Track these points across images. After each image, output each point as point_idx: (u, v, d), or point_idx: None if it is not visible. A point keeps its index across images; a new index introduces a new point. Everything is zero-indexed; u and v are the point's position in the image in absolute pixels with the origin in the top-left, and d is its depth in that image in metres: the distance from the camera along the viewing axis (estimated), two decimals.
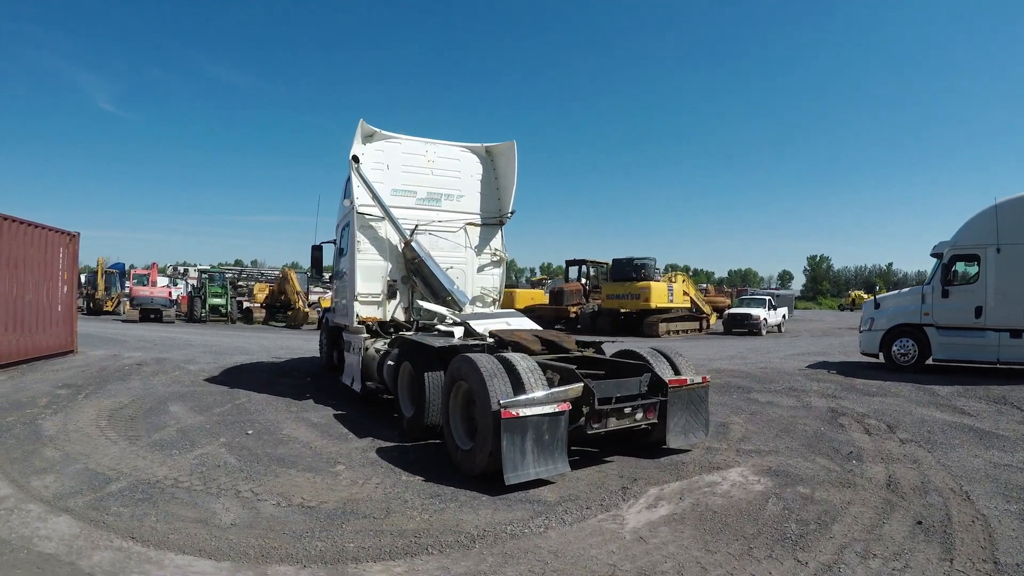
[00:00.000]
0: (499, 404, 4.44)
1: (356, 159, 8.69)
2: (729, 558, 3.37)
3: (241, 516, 3.87)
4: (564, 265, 32.65)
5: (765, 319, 24.77)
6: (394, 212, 9.01)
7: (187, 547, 3.34)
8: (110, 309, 32.84)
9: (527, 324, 8.06)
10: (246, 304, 31.08)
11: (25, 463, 4.83)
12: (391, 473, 4.97)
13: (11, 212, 9.69)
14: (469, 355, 5.09)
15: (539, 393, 4.68)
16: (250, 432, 6.33)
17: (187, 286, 39.69)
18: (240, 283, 38.57)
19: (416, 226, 9.11)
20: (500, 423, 4.33)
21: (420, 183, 9.42)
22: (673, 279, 25.88)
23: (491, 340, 6.56)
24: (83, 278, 38.62)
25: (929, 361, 11.27)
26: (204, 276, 32.82)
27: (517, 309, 29.46)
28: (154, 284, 33.27)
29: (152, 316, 28.63)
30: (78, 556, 3.18)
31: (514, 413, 4.38)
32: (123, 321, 27.55)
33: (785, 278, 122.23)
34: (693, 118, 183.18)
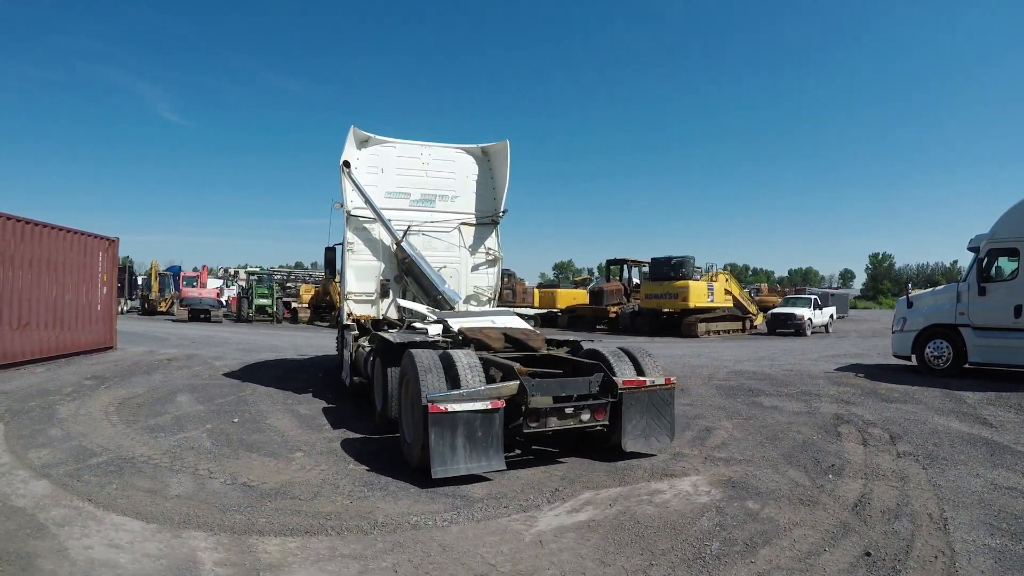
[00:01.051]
0: (427, 399, 4.79)
1: (347, 164, 9.46)
2: (621, 572, 3.38)
3: (187, 490, 4.60)
4: (605, 264, 32.74)
5: (810, 319, 24.29)
6: (388, 214, 9.72)
7: (128, 510, 4.08)
8: (163, 309, 35.76)
9: (515, 322, 8.50)
10: (293, 304, 33.14)
11: (30, 439, 5.84)
12: (340, 462, 5.54)
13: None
14: (412, 351, 5.63)
15: (470, 389, 4.99)
16: (236, 420, 7.16)
17: (238, 288, 42.54)
18: (288, 284, 41.13)
19: (408, 227, 9.77)
20: (428, 417, 4.70)
21: (414, 185, 10.08)
22: (714, 278, 25.47)
23: (458, 337, 7.06)
24: (140, 280, 42.42)
25: (967, 365, 10.84)
26: (252, 278, 35.23)
27: (559, 309, 30.00)
28: (203, 286, 35.86)
29: (202, 316, 30.94)
30: (39, 510, 4.00)
31: (442, 408, 4.72)
32: (173, 321, 30.00)
33: (846, 277, 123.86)
34: (753, 114, 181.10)
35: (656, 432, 5.81)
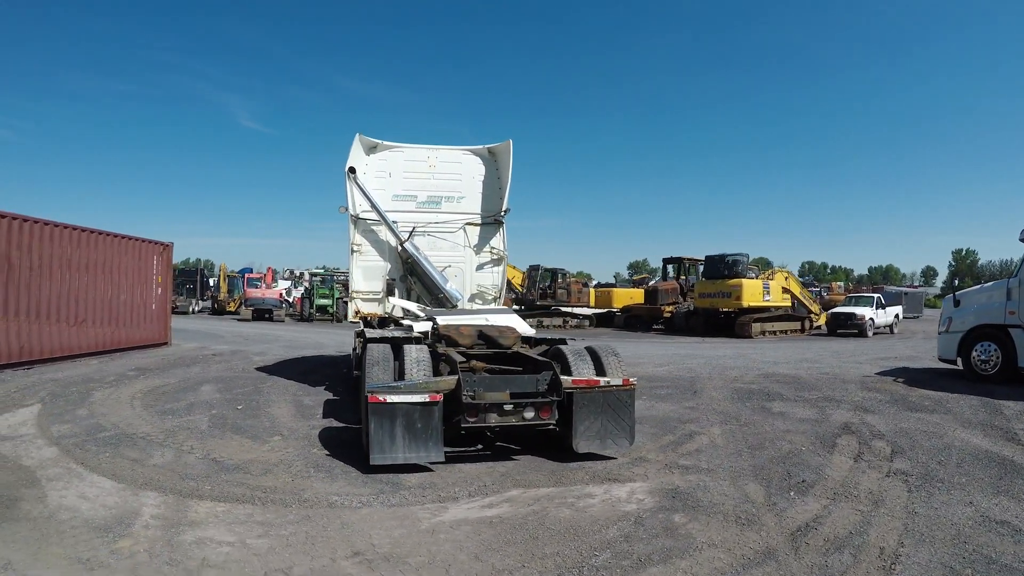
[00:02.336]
0: (367, 390, 5.41)
1: (352, 170, 10.46)
2: (488, 569, 3.63)
3: (165, 461, 5.63)
4: (661, 263, 32.60)
5: (871, 319, 23.79)
6: (395, 216, 10.63)
7: (108, 473, 5.15)
8: (232, 309, 39.14)
9: (511, 321, 9.13)
10: None
11: (58, 416, 7.22)
12: (308, 446, 6.36)
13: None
14: (369, 345, 6.42)
15: (408, 382, 5.53)
16: (240, 407, 8.28)
17: (303, 288, 45.65)
18: None
19: (414, 228, 10.64)
20: (368, 407, 5.32)
21: (421, 188, 10.93)
22: (770, 276, 24.95)
23: (434, 333, 7.80)
24: (211, 282, 46.53)
25: (1020, 369, 10.28)
26: (315, 279, 37.81)
27: (615, 308, 30.30)
28: (268, 287, 38.82)
29: (266, 316, 33.62)
30: (40, 469, 5.16)
31: (381, 399, 5.29)
32: (238, 320, 32.82)
33: (928, 274, 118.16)
34: (834, 108, 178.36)
35: (613, 434, 5.93)
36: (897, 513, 4.61)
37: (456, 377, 5.65)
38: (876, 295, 27.29)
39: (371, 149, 10.93)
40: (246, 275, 40.10)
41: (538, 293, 28.80)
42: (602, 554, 3.84)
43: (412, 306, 9.52)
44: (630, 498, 4.91)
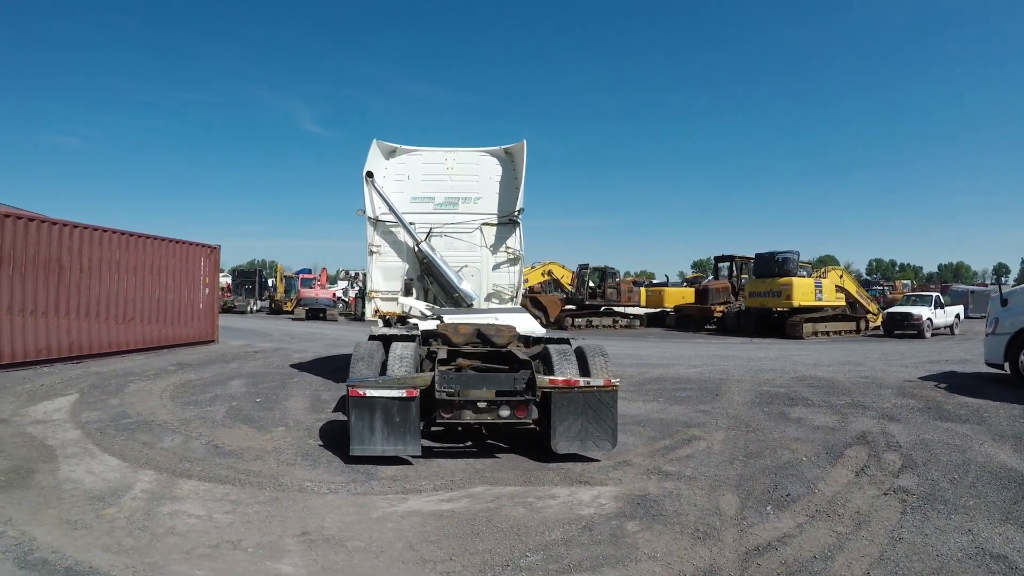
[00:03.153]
0: (347, 383, 5.85)
1: (370, 175, 11.07)
2: (417, 558, 3.87)
3: (172, 445, 6.34)
4: (713, 261, 32.04)
5: (929, 319, 23.08)
6: (413, 217, 11.18)
7: (118, 453, 5.90)
8: (288, 309, 41.27)
9: (520, 320, 9.49)
10: None
11: (90, 405, 8.18)
12: (306, 437, 6.90)
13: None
14: (359, 341, 6.93)
15: (386, 377, 5.92)
16: (258, 400, 9.03)
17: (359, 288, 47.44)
18: None
19: (431, 229, 11.16)
20: (348, 400, 5.76)
21: (438, 189, 11.43)
22: (823, 274, 24.19)
23: (432, 331, 8.25)
24: (270, 283, 49.12)
25: None
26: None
27: (666, 308, 30.38)
28: (322, 287, 40.62)
29: (320, 315, 35.25)
30: (60, 448, 6.01)
31: (360, 392, 5.69)
32: (292, 319, 34.54)
33: (1001, 271, 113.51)
34: (902, 104, 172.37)
35: (594, 436, 6.00)
36: (878, 538, 4.29)
37: (432, 373, 5.99)
38: (934, 294, 26.43)
39: (390, 153, 11.54)
40: (300, 275, 42.15)
41: (587, 292, 28.94)
42: (533, 556, 3.94)
43: (421, 305, 10.02)
44: (592, 502, 4.96)
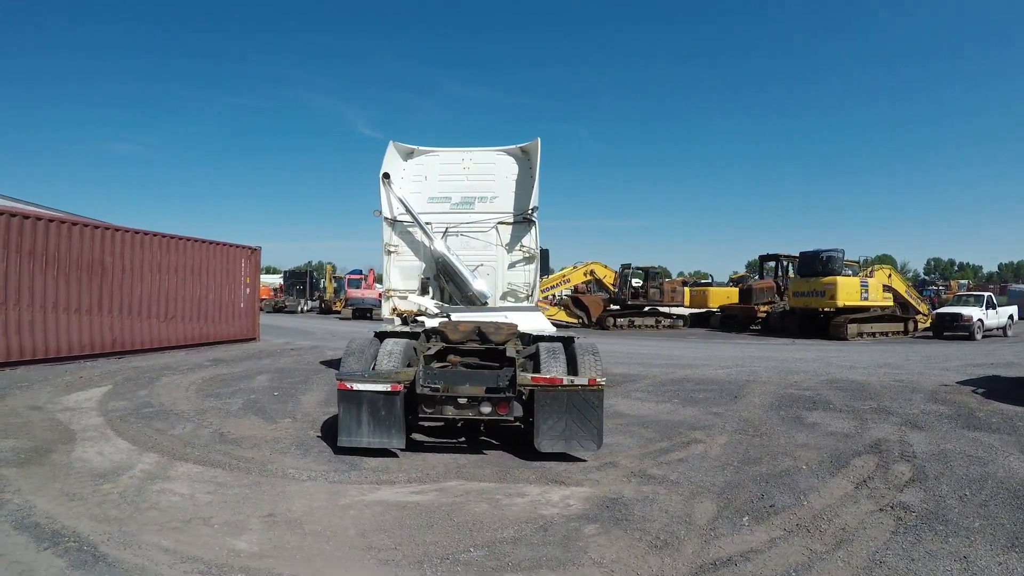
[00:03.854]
0: (336, 377, 6.23)
1: (387, 176, 11.57)
2: (366, 546, 4.11)
3: (182, 433, 6.96)
4: (758, 260, 31.34)
5: (980, 320, 22.43)
6: (429, 217, 11.63)
7: (130, 438, 6.57)
8: (338, 309, 42.79)
9: (531, 319, 9.77)
10: None
11: (119, 395, 9.02)
12: (307, 428, 7.35)
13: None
14: (353, 337, 7.37)
15: (372, 372, 6.28)
16: (276, 394, 9.66)
17: None
18: None
19: (447, 229, 11.57)
20: (337, 393, 6.12)
21: (455, 189, 11.82)
22: (870, 273, 23.52)
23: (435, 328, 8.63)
24: (321, 283, 51.06)
25: None
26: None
27: (711, 308, 30.59)
28: (371, 287, 41.90)
29: (366, 315, 36.48)
30: (81, 432, 6.74)
31: (348, 386, 6.04)
32: (340, 318, 35.84)
33: None
34: (958, 101, 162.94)
35: (579, 435, 6.07)
36: (856, 560, 4.00)
37: (413, 370, 6.29)
38: (986, 294, 25.50)
39: (408, 155, 12.02)
40: (349, 276, 43.69)
41: (630, 292, 29.00)
42: (476, 552, 4.06)
43: (430, 303, 10.43)
44: (560, 502, 5.01)
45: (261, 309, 43.57)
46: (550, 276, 32.68)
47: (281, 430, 7.29)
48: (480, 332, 8.07)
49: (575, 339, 8.21)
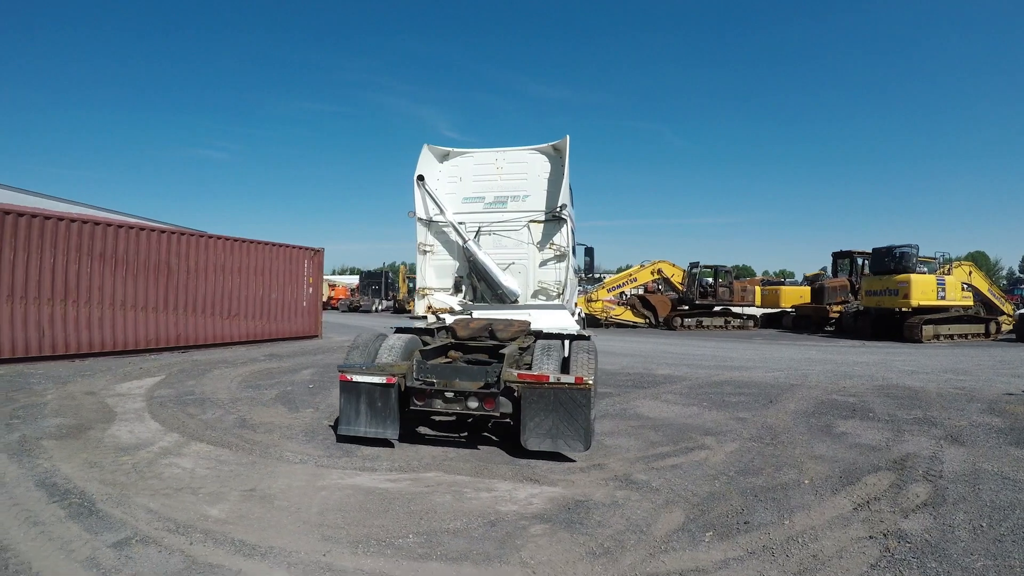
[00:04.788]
0: (338, 368, 6.78)
1: (421, 178, 12.21)
2: (319, 519, 4.59)
3: (210, 418, 7.88)
4: (831, 258, 29.83)
5: None
6: (464, 217, 12.16)
7: (162, 420, 7.55)
8: (411, 309, 44.28)
9: (553, 318, 10.10)
10: None
11: (168, 385, 10.24)
12: (324, 418, 8.06)
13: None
14: (360, 332, 7.99)
15: (369, 364, 6.74)
16: (311, 387, 10.55)
17: None
18: None
19: (479, 228, 12.07)
20: (339, 385, 6.72)
21: (488, 189, 12.27)
22: (948, 271, 22.05)
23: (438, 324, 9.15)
24: (397, 284, 53.30)
25: None
26: None
27: (783, 308, 29.99)
28: None
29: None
30: (122, 414, 7.83)
31: (348, 377, 6.57)
32: (411, 317, 37.21)
33: None
34: None
35: (566, 435, 6.17)
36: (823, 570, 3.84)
37: (408, 363, 6.72)
38: None
39: (443, 157, 12.62)
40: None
41: (698, 292, 28.56)
42: (413, 538, 4.34)
43: (453, 301, 10.96)
44: (524, 500, 5.16)
45: (336, 308, 46.64)
46: (616, 275, 32.64)
47: (299, 419, 8.03)
48: (490, 329, 8.48)
49: (589, 338, 8.44)
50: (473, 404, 6.37)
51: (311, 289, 19.58)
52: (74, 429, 7.00)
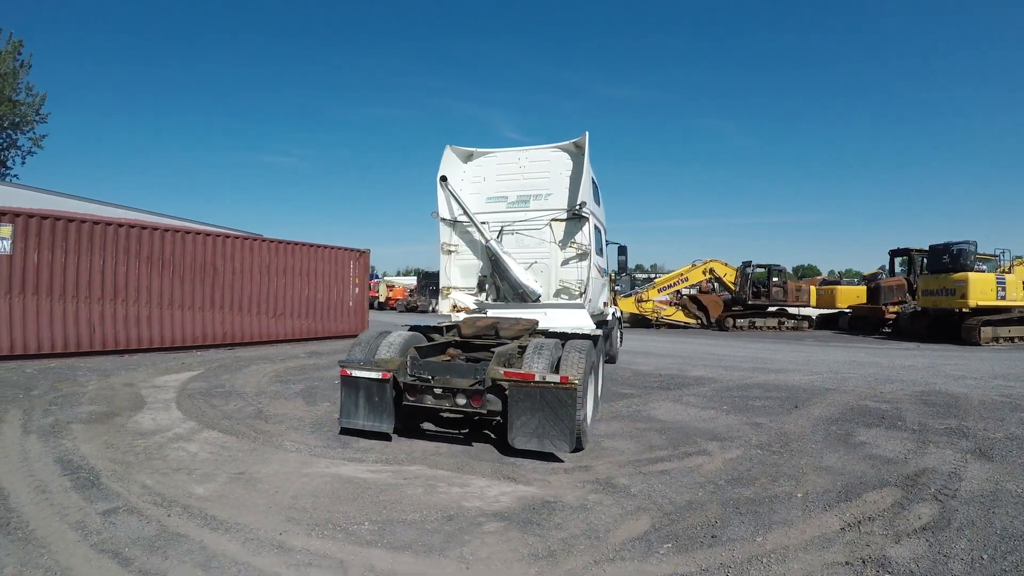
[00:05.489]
0: (339, 363, 7.30)
1: (444, 179, 12.66)
2: (289, 501, 4.99)
3: (231, 409, 8.60)
4: (888, 256, 28.42)
5: None
6: (487, 217, 12.54)
7: (185, 410, 8.33)
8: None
9: (568, 317, 10.35)
10: None
11: (203, 379, 11.18)
12: (334, 412, 8.41)
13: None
14: (366, 330, 8.49)
15: (367, 360, 7.17)
16: (337, 382, 11.10)
17: None
18: None
19: (502, 228, 12.41)
20: (340, 379, 7.21)
21: (511, 188, 12.58)
22: (1008, 268, 20.87)
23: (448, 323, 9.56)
24: None
25: None
26: None
27: (839, 308, 29.37)
28: None
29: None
30: (152, 402, 8.71)
31: (348, 372, 7.06)
32: (436, 317, 38.23)
33: None
34: None
35: (551, 435, 6.28)
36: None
37: (399, 359, 7.08)
38: None
39: (467, 157, 13.04)
40: None
41: (751, 292, 27.94)
42: (367, 525, 4.63)
43: (468, 301, 11.35)
44: (492, 497, 5.31)
45: (395, 308, 47.99)
46: (666, 275, 32.26)
47: (313, 412, 8.63)
48: (496, 328, 8.80)
49: (597, 339, 8.58)
50: (461, 401, 6.63)
51: (357, 289, 20.51)
52: (103, 415, 7.88)
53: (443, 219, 12.75)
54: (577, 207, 11.89)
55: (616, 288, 34.37)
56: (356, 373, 6.99)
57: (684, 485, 5.75)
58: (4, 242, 11.99)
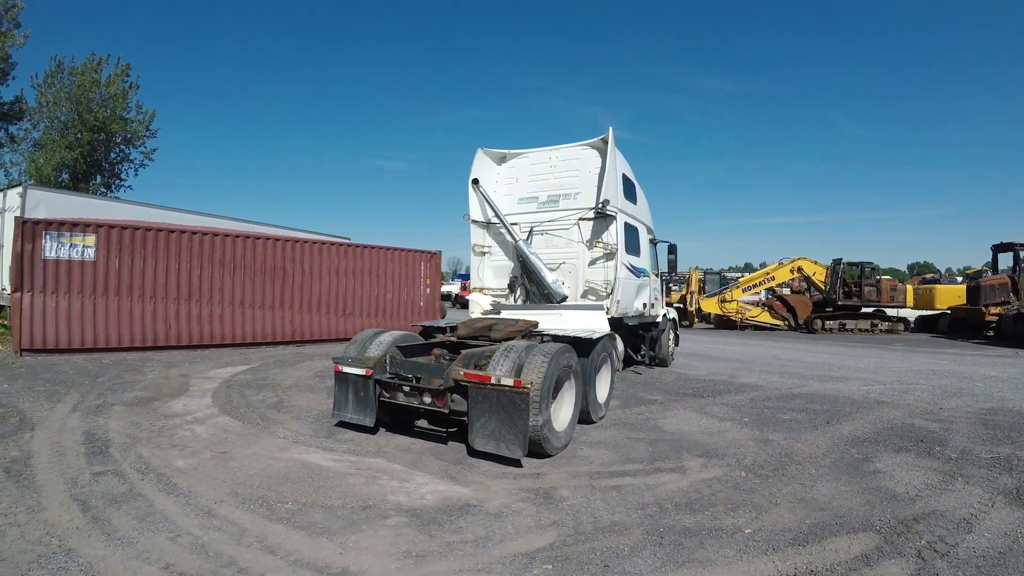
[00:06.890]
0: (331, 359, 8.41)
1: (475, 181, 13.45)
2: (254, 482, 5.77)
3: (257, 399, 10.03)
4: (991, 251, 25.41)
5: None
6: (519, 218, 13.18)
7: (215, 398, 9.92)
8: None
9: (584, 319, 10.89)
10: None
11: (252, 372, 12.92)
12: None
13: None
14: (364, 328, 9.56)
15: (354, 357, 8.09)
16: None
17: None
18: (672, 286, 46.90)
19: (531, 229, 13.02)
20: (334, 374, 8.16)
21: (542, 188, 13.10)
22: None
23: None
24: None
25: None
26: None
27: (939, 308, 27.68)
28: None
29: None
30: (192, 391, 10.45)
31: (340, 368, 8.00)
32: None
33: None
34: None
35: (507, 438, 6.62)
36: None
37: (376, 357, 7.92)
38: None
39: (501, 159, 13.74)
40: None
41: (841, 292, 26.53)
42: (290, 505, 5.36)
43: (485, 301, 12.14)
44: (422, 495, 5.74)
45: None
46: (751, 274, 31.03)
47: (326, 405, 9.64)
48: (494, 328, 9.52)
49: (598, 342, 8.98)
50: (427, 400, 7.23)
51: (428, 289, 21.97)
52: (145, 400, 9.66)
53: (475, 221, 13.57)
54: (600, 205, 12.20)
55: (672, 287, 32.86)
56: (345, 369, 7.91)
57: (626, 504, 5.59)
58: (89, 250, 14.69)
